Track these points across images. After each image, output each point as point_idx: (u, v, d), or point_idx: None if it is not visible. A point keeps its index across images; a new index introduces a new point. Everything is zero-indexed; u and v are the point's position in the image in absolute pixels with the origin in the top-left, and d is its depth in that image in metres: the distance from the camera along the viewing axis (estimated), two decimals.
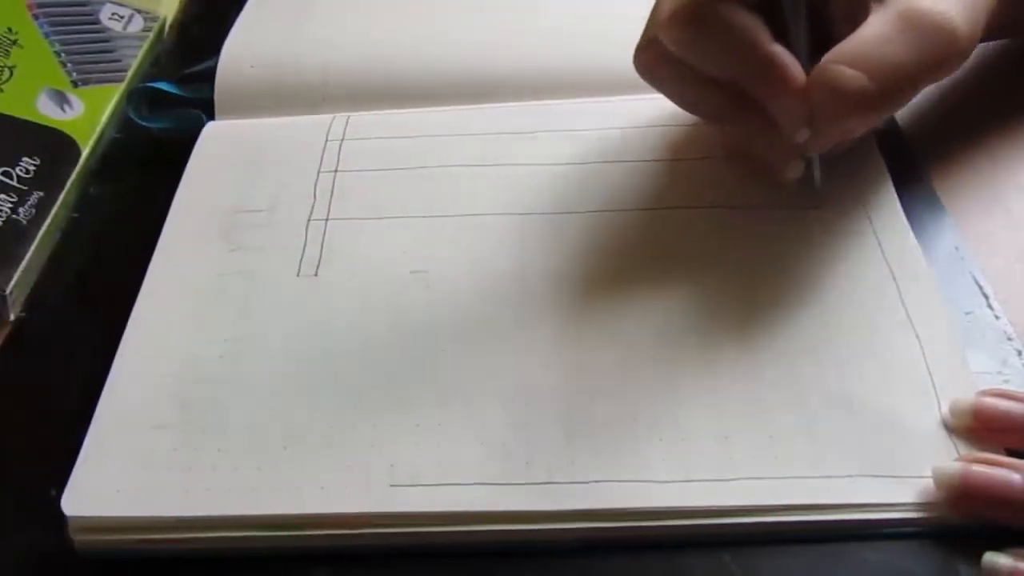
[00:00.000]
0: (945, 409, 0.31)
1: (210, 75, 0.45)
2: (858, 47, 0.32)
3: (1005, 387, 0.32)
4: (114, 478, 0.31)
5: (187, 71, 0.47)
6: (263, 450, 0.31)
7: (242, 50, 0.46)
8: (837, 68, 0.32)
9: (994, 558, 0.27)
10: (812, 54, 0.33)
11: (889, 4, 0.33)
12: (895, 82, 0.32)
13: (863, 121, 0.33)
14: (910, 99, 0.33)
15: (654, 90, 0.37)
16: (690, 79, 0.35)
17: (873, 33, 0.32)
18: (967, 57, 0.33)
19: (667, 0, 0.34)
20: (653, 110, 0.41)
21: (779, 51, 0.33)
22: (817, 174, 0.37)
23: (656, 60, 0.35)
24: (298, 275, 0.37)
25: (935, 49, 0.32)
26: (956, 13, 0.32)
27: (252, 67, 0.45)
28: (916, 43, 0.32)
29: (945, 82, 0.42)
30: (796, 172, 0.36)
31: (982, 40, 0.38)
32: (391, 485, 0.30)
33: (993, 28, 0.36)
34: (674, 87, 0.36)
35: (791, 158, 0.35)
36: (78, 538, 0.30)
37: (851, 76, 0.32)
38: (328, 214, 0.39)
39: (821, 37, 0.34)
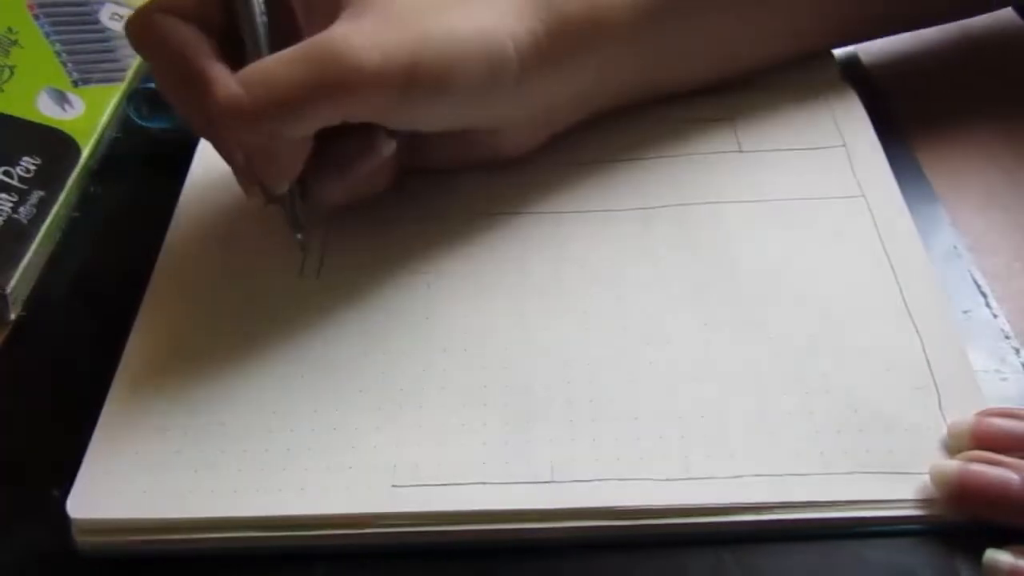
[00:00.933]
0: (947, 417, 0.31)
1: None
2: (255, 65, 0.32)
3: (1003, 385, 0.32)
4: (118, 480, 0.31)
5: None
6: (266, 451, 0.31)
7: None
8: (221, 81, 0.32)
9: (995, 555, 0.27)
10: None
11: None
12: (269, 98, 0.31)
13: (243, 133, 0.32)
14: (303, 121, 0.32)
15: None
16: (163, 77, 0.35)
17: (277, 54, 0.32)
18: (377, 91, 0.32)
19: None
20: None
21: (212, 67, 0.33)
22: (299, 212, 0.36)
23: (141, 40, 0.36)
24: (300, 276, 0.37)
25: (327, 75, 0.31)
26: (365, 43, 0.32)
27: None
28: (309, 66, 0.31)
29: (944, 83, 0.42)
30: (255, 198, 0.35)
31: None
32: (393, 485, 0.30)
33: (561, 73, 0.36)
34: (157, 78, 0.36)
35: (248, 183, 0.35)
36: (82, 539, 0.30)
37: (226, 87, 0.32)
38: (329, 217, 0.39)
39: None
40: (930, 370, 0.32)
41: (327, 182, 0.35)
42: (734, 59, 0.41)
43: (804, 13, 0.40)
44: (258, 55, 0.34)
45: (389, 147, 0.35)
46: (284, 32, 0.34)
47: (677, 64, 0.40)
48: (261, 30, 0.34)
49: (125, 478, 0.31)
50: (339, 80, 0.31)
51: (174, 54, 0.33)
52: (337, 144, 0.34)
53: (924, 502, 0.29)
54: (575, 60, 0.36)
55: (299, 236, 0.36)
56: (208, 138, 0.35)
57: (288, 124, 0.32)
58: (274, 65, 0.32)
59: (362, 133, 0.35)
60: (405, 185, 0.40)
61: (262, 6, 0.34)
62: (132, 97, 0.46)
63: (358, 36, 0.32)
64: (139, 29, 0.34)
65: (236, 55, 0.34)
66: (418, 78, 0.32)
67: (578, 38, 0.35)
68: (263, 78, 0.32)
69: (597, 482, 0.30)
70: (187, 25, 0.34)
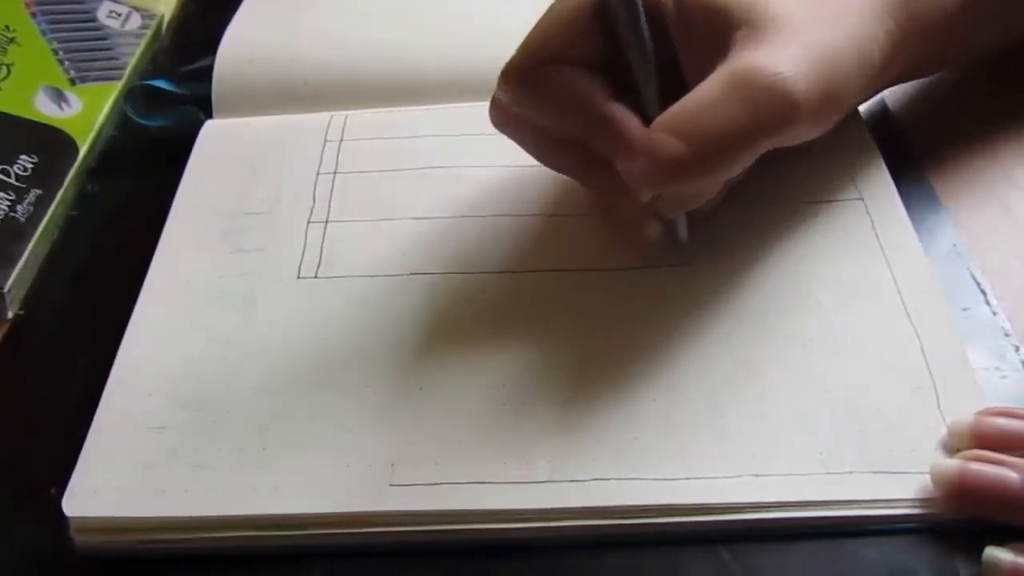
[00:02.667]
0: (947, 416, 0.31)
1: (207, 73, 0.45)
2: (681, 111, 0.30)
3: (1003, 383, 0.32)
4: (115, 479, 0.31)
5: (184, 69, 0.46)
6: (263, 450, 0.31)
7: (239, 47, 0.46)
8: (656, 135, 0.30)
9: (995, 553, 0.27)
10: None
11: (728, 62, 0.31)
12: (716, 148, 0.30)
13: (687, 186, 0.32)
14: (744, 163, 0.31)
15: None
16: (536, 136, 0.34)
17: (699, 95, 0.30)
18: (814, 121, 0.31)
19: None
20: None
21: (616, 110, 0.31)
22: (682, 231, 0.35)
23: (504, 115, 0.34)
24: (298, 277, 0.37)
25: (764, 113, 0.30)
26: (793, 74, 0.30)
27: (250, 63, 0.45)
28: (742, 107, 0.30)
29: (943, 80, 0.42)
30: (653, 232, 0.35)
31: (898, 81, 0.39)
32: (391, 484, 0.30)
33: (896, 74, 0.36)
34: (526, 144, 0.35)
35: (645, 218, 0.35)
36: (79, 538, 0.30)
37: (665, 143, 0.30)
38: (328, 216, 0.39)
39: (681, 94, 0.31)
40: (929, 369, 0.32)
41: (717, 198, 0.35)
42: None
43: None
44: (651, 91, 0.32)
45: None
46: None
47: (983, 45, 0.40)
48: (653, 62, 0.32)
49: (121, 476, 0.31)
50: (778, 119, 0.30)
51: (577, 104, 0.32)
52: None
53: (924, 501, 0.29)
54: (915, 49, 0.35)
55: (680, 252, 0.36)
56: (598, 187, 0.35)
57: (728, 170, 0.31)
58: (709, 112, 0.30)
59: None
60: (405, 186, 0.40)
61: (649, 36, 0.32)
62: (129, 95, 0.46)
63: (782, 65, 0.30)
64: (531, 81, 0.32)
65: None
66: (828, 102, 0.31)
67: (919, 29, 0.35)
68: (703, 128, 0.30)
69: (595, 482, 0.30)
70: (579, 70, 0.32)
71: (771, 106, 0.30)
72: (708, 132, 0.30)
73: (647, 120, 0.31)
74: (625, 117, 0.31)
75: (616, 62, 0.32)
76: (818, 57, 0.31)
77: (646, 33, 0.32)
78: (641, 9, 0.31)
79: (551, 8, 0.33)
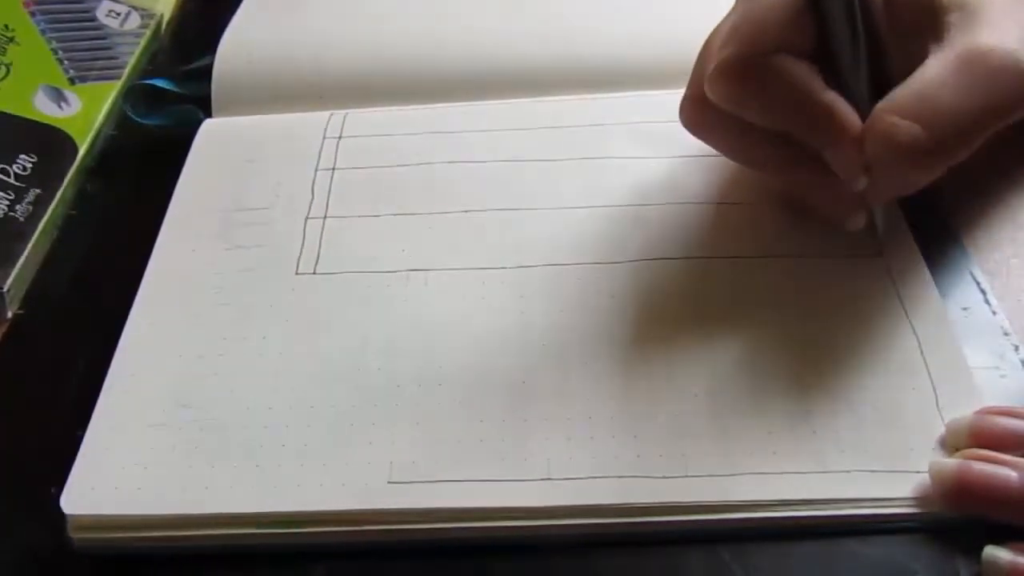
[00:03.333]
0: (946, 415, 0.31)
1: (207, 72, 0.45)
2: (912, 94, 0.30)
3: (1003, 382, 0.32)
4: (113, 476, 0.31)
5: (184, 68, 0.46)
6: (261, 448, 0.31)
7: (238, 46, 0.46)
8: (890, 119, 0.30)
9: (994, 552, 0.27)
10: (873, 98, 0.32)
11: (948, 43, 0.31)
12: (954, 131, 0.30)
13: (922, 172, 0.31)
14: (977, 144, 0.31)
15: (651, 87, 0.37)
16: (741, 133, 0.34)
17: (929, 78, 0.30)
18: None
19: (712, 51, 0.33)
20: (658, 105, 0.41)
21: (834, 99, 0.31)
22: (880, 222, 0.35)
23: (703, 116, 0.34)
24: (296, 273, 0.37)
25: (1000, 92, 0.30)
26: (1015, 51, 0.30)
27: (249, 63, 0.45)
28: (978, 87, 0.30)
29: None
30: (858, 223, 0.34)
31: None
32: (389, 482, 0.30)
33: None
34: (725, 142, 0.35)
35: (852, 207, 0.34)
36: (77, 536, 0.30)
37: (903, 128, 0.30)
38: (326, 212, 0.39)
39: (880, 80, 0.32)
40: (927, 368, 0.32)
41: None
42: None
43: None
44: (860, 79, 0.32)
45: None
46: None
47: None
48: (864, 49, 0.32)
49: (120, 475, 0.31)
50: (1015, 95, 0.30)
51: (797, 95, 0.32)
52: None
53: (922, 500, 0.29)
54: None
55: (879, 239, 0.35)
56: (805, 180, 0.34)
57: (962, 154, 0.31)
58: (940, 95, 0.30)
59: None
60: (403, 182, 0.40)
61: (861, 26, 0.32)
62: (128, 94, 0.46)
63: (1012, 43, 0.30)
64: (752, 78, 0.32)
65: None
66: None
67: None
68: (937, 111, 0.30)
69: (594, 480, 0.30)
70: (798, 61, 0.32)
71: (1005, 85, 0.30)
72: (945, 114, 0.30)
73: (856, 111, 0.31)
74: (844, 106, 0.31)
75: (824, 52, 0.32)
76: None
77: (860, 21, 0.31)
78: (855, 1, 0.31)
79: (750, 1, 0.32)
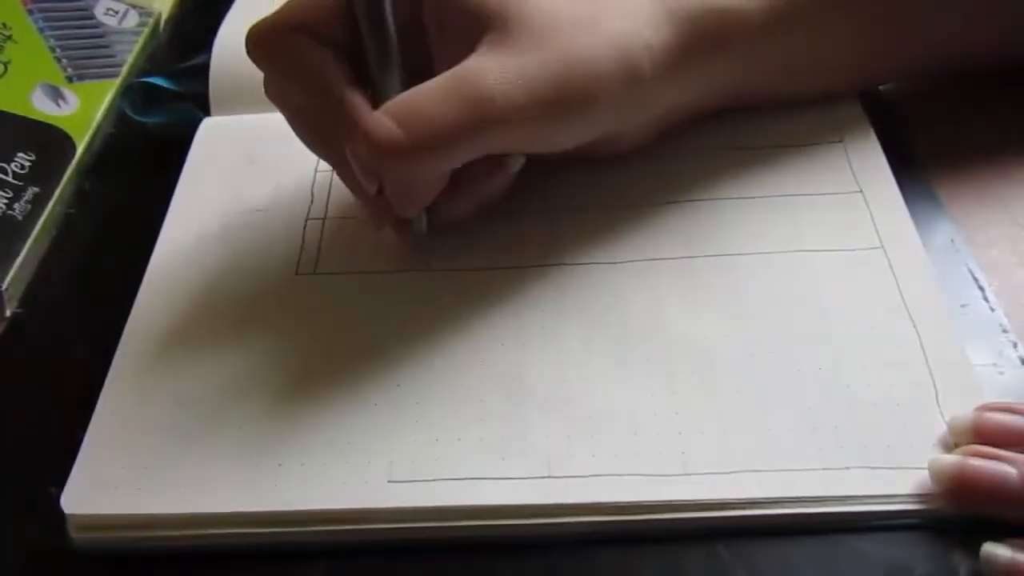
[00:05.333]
0: (946, 411, 0.31)
1: (204, 70, 0.45)
2: (404, 100, 0.32)
3: (1001, 379, 0.32)
4: (113, 476, 0.31)
5: (181, 66, 0.46)
6: (261, 447, 0.31)
7: (235, 44, 0.46)
8: (375, 117, 0.31)
9: (993, 549, 0.27)
10: None
11: (462, 64, 0.32)
12: (426, 137, 0.31)
13: (398, 169, 0.32)
14: (457, 156, 0.32)
15: None
16: (282, 100, 0.35)
17: (426, 87, 0.32)
18: (536, 126, 0.32)
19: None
20: None
21: (350, 95, 0.32)
22: (419, 227, 0.35)
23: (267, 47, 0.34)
24: (297, 273, 0.37)
25: (472, 112, 0.31)
26: (509, 80, 0.31)
27: (246, 60, 0.45)
28: (452, 101, 0.31)
29: (945, 78, 0.42)
30: (383, 227, 0.35)
31: (736, 101, 0.39)
32: (389, 481, 0.30)
33: (702, 91, 0.37)
34: (277, 101, 0.35)
35: (382, 216, 0.35)
36: (77, 535, 0.30)
37: (382, 126, 0.31)
38: (326, 212, 0.39)
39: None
40: (927, 365, 0.32)
41: (458, 202, 0.35)
42: (862, 71, 0.40)
43: (944, 28, 0.39)
44: (389, 80, 0.33)
45: (518, 163, 0.35)
46: (409, 50, 0.34)
47: (800, 71, 0.39)
48: (395, 53, 0.33)
49: (120, 474, 0.31)
50: (491, 119, 0.31)
51: (311, 80, 0.33)
52: (467, 166, 0.33)
53: (922, 497, 0.29)
54: (703, 65, 0.36)
55: (424, 231, 0.36)
56: (336, 165, 0.35)
57: (441, 161, 0.32)
58: (428, 102, 0.31)
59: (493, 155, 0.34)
60: None
61: (393, 28, 0.33)
62: (127, 92, 0.46)
63: (506, 74, 0.31)
64: (269, 46, 0.33)
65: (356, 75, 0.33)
66: (562, 106, 0.32)
67: (709, 44, 0.35)
68: (419, 115, 0.31)
69: (594, 478, 0.30)
70: (322, 48, 0.33)
71: (487, 107, 0.31)
72: (423, 121, 0.31)
73: None
74: (358, 103, 0.32)
75: (353, 50, 0.33)
76: (555, 65, 0.32)
77: (390, 25, 0.32)
78: (387, 2, 0.32)
79: None
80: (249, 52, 0.34)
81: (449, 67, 0.32)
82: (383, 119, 0.31)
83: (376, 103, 0.33)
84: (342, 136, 0.32)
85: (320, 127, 0.34)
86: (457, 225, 0.36)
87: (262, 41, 0.33)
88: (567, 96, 0.32)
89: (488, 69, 0.31)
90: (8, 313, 0.38)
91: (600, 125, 0.35)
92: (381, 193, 0.33)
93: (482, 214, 0.36)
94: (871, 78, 0.41)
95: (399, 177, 0.33)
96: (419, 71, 0.33)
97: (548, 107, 0.32)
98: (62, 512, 0.30)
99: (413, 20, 0.34)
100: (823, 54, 0.38)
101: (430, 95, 0.31)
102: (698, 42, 0.35)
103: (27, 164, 0.42)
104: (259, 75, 0.34)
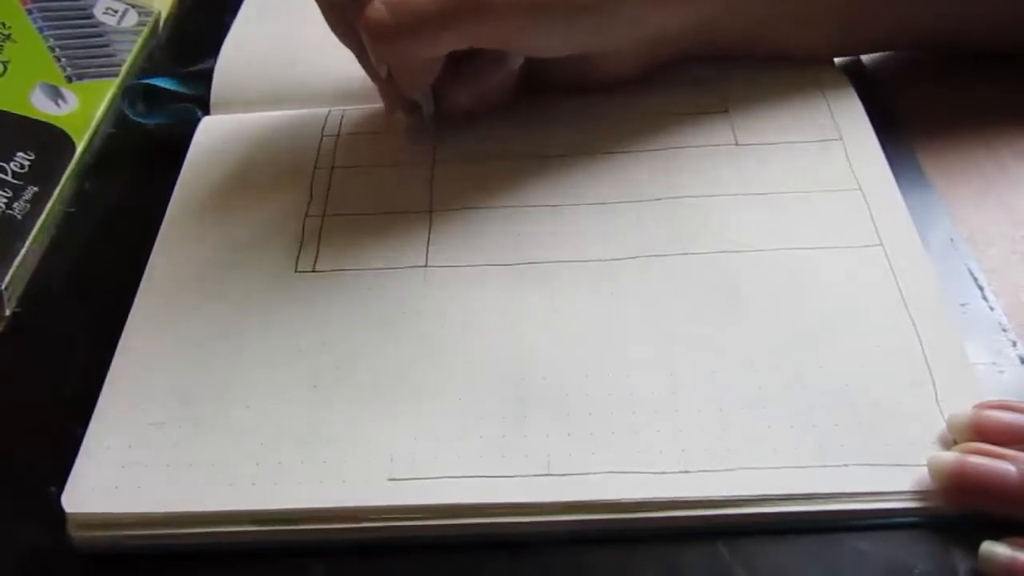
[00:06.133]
0: (945, 409, 0.31)
1: (206, 75, 0.45)
2: None
3: (1000, 377, 0.32)
4: (114, 475, 0.31)
5: (184, 71, 0.46)
6: (261, 445, 0.31)
7: (240, 50, 0.46)
8: (373, 5, 0.34)
9: (992, 547, 0.27)
10: None
11: None
12: (411, 22, 0.34)
13: (385, 48, 0.35)
14: (442, 43, 0.36)
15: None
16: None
17: None
18: (509, 17, 0.35)
19: None
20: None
21: None
22: (430, 108, 0.40)
23: None
24: (296, 271, 0.37)
25: (452, 4, 0.34)
26: None
27: (249, 68, 0.45)
28: None
29: (941, 76, 0.42)
30: (393, 110, 0.40)
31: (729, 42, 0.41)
32: (390, 479, 0.30)
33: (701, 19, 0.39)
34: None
35: (392, 96, 0.39)
36: (77, 534, 0.30)
37: (376, 11, 0.34)
38: (325, 210, 0.39)
39: None
40: (927, 363, 0.32)
41: (459, 91, 0.39)
42: (844, 31, 0.41)
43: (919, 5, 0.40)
44: None
45: (516, 60, 0.39)
46: None
47: (786, 20, 0.40)
48: None
49: (120, 473, 0.31)
50: (473, 10, 0.34)
51: None
52: (469, 58, 0.38)
53: (921, 494, 0.29)
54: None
55: (429, 129, 0.40)
56: (358, 54, 0.39)
57: (424, 46, 0.36)
58: None
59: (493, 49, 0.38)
60: (401, 179, 0.40)
61: None
62: (126, 92, 0.46)
63: None
64: None
65: None
66: (537, 9, 0.35)
67: None
68: (404, 2, 0.34)
69: (593, 475, 0.30)
70: None
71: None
72: (409, 6, 0.34)
73: None
74: None
75: None
76: None
77: None
78: None
79: None
80: None
81: None
82: (379, 6, 0.34)
83: None
84: (352, 21, 0.36)
85: (345, 18, 0.37)
86: (465, 117, 0.41)
87: None
88: None
89: None
90: (7, 312, 0.38)
91: (585, 31, 0.37)
92: (391, 77, 0.37)
93: (486, 109, 0.40)
94: (854, 42, 0.42)
95: (393, 58, 0.36)
96: None
97: (528, 4, 0.35)
98: (62, 512, 0.30)
99: None
100: (807, 6, 0.40)
101: None
102: None
103: (26, 163, 0.42)
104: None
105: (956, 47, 0.41)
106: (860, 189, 0.37)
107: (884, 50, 0.43)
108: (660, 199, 0.38)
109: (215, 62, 0.45)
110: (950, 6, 0.40)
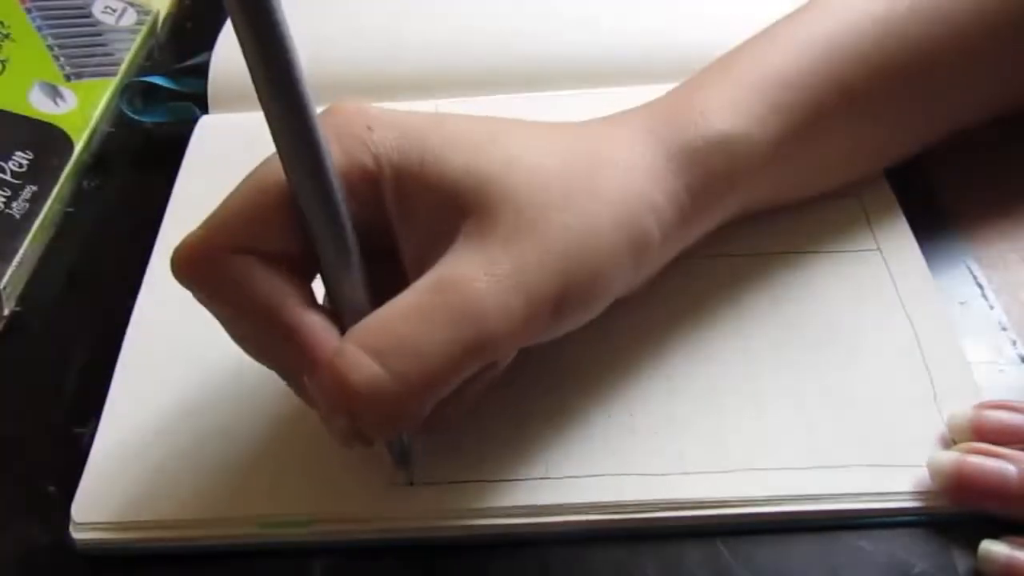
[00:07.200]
0: (944, 409, 0.31)
1: (203, 69, 0.45)
2: (378, 323, 0.26)
3: (1000, 376, 0.32)
4: (121, 481, 0.31)
5: (180, 66, 0.46)
6: (265, 450, 0.31)
7: (236, 44, 0.46)
8: (347, 354, 0.25)
9: (991, 546, 0.27)
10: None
11: (440, 264, 0.26)
12: (417, 373, 0.25)
13: (388, 419, 0.26)
14: (450, 386, 0.26)
15: (650, 81, 0.37)
16: (223, 325, 0.28)
17: (400, 305, 0.26)
18: (542, 327, 0.27)
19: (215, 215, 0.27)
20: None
21: (306, 319, 0.26)
22: (404, 441, 0.29)
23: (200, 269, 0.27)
24: None
25: (456, 332, 0.25)
26: (502, 282, 0.25)
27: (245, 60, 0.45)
28: (439, 323, 0.25)
29: None
30: (352, 447, 0.28)
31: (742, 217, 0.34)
32: (389, 484, 0.30)
33: (718, 220, 0.32)
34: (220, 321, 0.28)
35: (351, 439, 0.27)
36: (79, 536, 0.30)
37: (359, 365, 0.25)
38: None
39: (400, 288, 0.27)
40: (925, 363, 0.32)
41: (448, 415, 0.29)
42: (872, 162, 0.37)
43: (943, 111, 0.36)
44: (349, 286, 0.27)
45: (509, 356, 0.29)
46: (367, 240, 0.27)
47: (811, 178, 0.35)
48: (355, 253, 0.27)
49: (127, 480, 0.31)
50: (490, 337, 0.25)
51: (256, 308, 0.26)
52: None
53: (920, 494, 0.29)
54: (715, 208, 0.31)
55: (404, 474, 0.30)
56: (293, 387, 0.29)
57: (435, 397, 0.26)
58: (409, 326, 0.25)
59: None
60: None
61: (349, 223, 0.26)
62: (125, 91, 0.46)
63: (498, 277, 0.26)
64: (199, 270, 0.27)
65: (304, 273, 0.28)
66: (567, 305, 0.27)
67: (719, 189, 0.31)
68: (402, 346, 0.25)
69: (592, 478, 0.30)
70: (266, 267, 0.26)
71: (480, 323, 0.25)
72: (408, 352, 0.25)
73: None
74: (318, 328, 0.26)
75: (308, 254, 0.27)
76: (553, 254, 0.26)
77: (344, 219, 0.26)
78: (337, 191, 0.26)
79: (241, 183, 0.27)
80: (178, 276, 0.27)
81: (421, 262, 0.27)
82: (358, 356, 0.25)
83: (337, 316, 0.27)
84: (300, 367, 0.26)
85: (273, 354, 0.28)
86: (446, 431, 0.31)
87: (192, 266, 0.27)
88: (570, 292, 0.27)
89: (475, 273, 0.26)
90: (6, 312, 0.38)
91: (605, 305, 0.29)
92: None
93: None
94: (890, 161, 0.37)
95: (382, 421, 0.26)
96: (382, 265, 0.28)
97: (548, 308, 0.27)
98: (62, 512, 0.30)
99: (371, 209, 0.27)
100: (837, 159, 0.35)
101: (412, 316, 0.25)
102: (706, 186, 0.30)
103: (25, 163, 0.42)
104: None
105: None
106: (858, 195, 0.37)
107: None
108: None
109: (209, 56, 0.45)
110: (975, 101, 0.37)
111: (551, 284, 0.26)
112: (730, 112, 0.31)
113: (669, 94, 0.33)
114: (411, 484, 0.30)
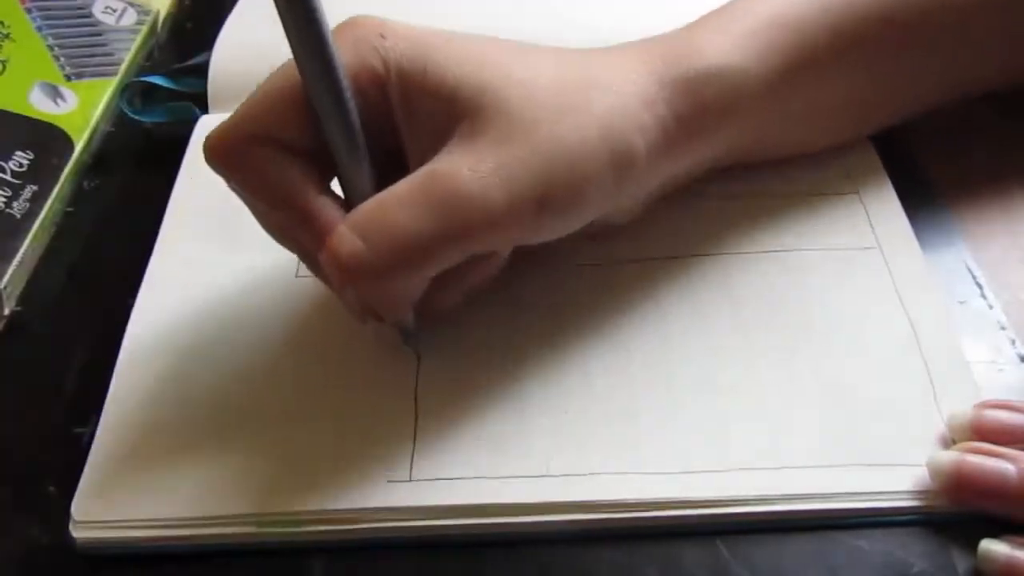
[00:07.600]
0: (943, 408, 0.31)
1: (203, 69, 0.45)
2: (369, 208, 0.29)
3: (1000, 375, 0.32)
4: (121, 480, 0.31)
5: (180, 65, 0.46)
6: (263, 448, 0.31)
7: (235, 43, 0.46)
8: (338, 232, 0.28)
9: (990, 546, 0.27)
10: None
11: (433, 160, 0.29)
12: (399, 251, 0.28)
13: (368, 289, 0.29)
14: (434, 267, 0.29)
15: None
16: (249, 207, 0.32)
17: (392, 192, 0.29)
18: (526, 226, 0.29)
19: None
20: None
21: (319, 204, 0.29)
22: (410, 320, 0.32)
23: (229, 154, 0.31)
24: (296, 275, 0.37)
25: (451, 219, 0.28)
26: (490, 179, 0.28)
27: (245, 59, 0.45)
28: (421, 208, 0.28)
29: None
30: (374, 327, 0.32)
31: (727, 163, 0.36)
32: (389, 481, 0.30)
33: (699, 159, 0.34)
34: (245, 188, 0.31)
35: (363, 314, 0.31)
36: (80, 535, 0.30)
37: (346, 242, 0.28)
38: None
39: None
40: (925, 362, 0.32)
41: (445, 297, 0.32)
42: (861, 120, 0.38)
43: (935, 70, 0.37)
44: (359, 179, 0.30)
45: (506, 251, 0.32)
46: (377, 140, 0.30)
47: (797, 128, 0.36)
48: (363, 150, 0.30)
49: (128, 478, 0.31)
50: (468, 226, 0.28)
51: (276, 193, 0.30)
52: None
53: (920, 493, 0.29)
54: (702, 139, 0.33)
55: (407, 346, 0.33)
56: (311, 267, 0.32)
57: (413, 274, 0.29)
58: (394, 210, 0.28)
59: None
60: None
61: (358, 122, 0.29)
62: (125, 91, 0.46)
63: (482, 172, 0.28)
64: (228, 159, 0.30)
65: (322, 172, 0.30)
66: (548, 206, 0.29)
67: (708, 117, 0.32)
68: (384, 227, 0.28)
69: (593, 475, 0.30)
70: (285, 156, 0.30)
71: (463, 214, 0.28)
72: (389, 233, 0.28)
73: None
74: (328, 212, 0.30)
75: (321, 149, 0.30)
76: (536, 159, 0.29)
77: (354, 119, 0.29)
78: (345, 90, 0.29)
79: (264, 81, 0.31)
80: (208, 162, 0.30)
81: (422, 161, 0.29)
82: (346, 234, 0.28)
83: (349, 205, 0.30)
84: (315, 247, 0.29)
85: (291, 235, 0.31)
86: (448, 316, 0.33)
87: (220, 153, 0.30)
88: (551, 194, 0.29)
89: (460, 168, 0.28)
90: (7, 311, 0.38)
91: (588, 216, 0.31)
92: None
93: (474, 299, 0.34)
94: (878, 124, 0.38)
95: (372, 296, 0.30)
96: (393, 164, 0.31)
97: (530, 207, 0.29)
98: (62, 512, 0.30)
99: (381, 110, 0.30)
100: (828, 107, 0.36)
101: (397, 202, 0.28)
102: (697, 116, 0.32)
103: (25, 163, 0.42)
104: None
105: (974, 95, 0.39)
106: (857, 192, 0.37)
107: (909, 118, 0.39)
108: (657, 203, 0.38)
109: (209, 56, 0.45)
110: (965, 62, 0.37)
111: (533, 184, 0.29)
112: (726, 47, 0.32)
113: (668, 32, 0.34)
114: (419, 358, 0.33)
